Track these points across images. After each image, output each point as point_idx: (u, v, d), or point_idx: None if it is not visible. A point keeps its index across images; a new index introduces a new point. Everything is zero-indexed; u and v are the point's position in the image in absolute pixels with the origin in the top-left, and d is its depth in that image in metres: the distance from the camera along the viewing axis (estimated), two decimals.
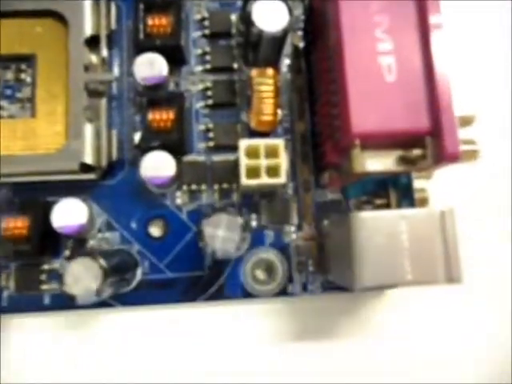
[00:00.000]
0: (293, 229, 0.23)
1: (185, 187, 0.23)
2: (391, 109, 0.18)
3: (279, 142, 0.21)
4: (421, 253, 0.17)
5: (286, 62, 0.24)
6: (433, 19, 0.18)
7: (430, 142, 0.18)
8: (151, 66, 0.22)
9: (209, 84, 0.24)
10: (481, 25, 0.26)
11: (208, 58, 0.24)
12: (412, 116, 0.18)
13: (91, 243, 0.22)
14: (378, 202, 0.22)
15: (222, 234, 0.18)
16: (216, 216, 0.18)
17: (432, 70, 0.18)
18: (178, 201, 0.23)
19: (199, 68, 0.24)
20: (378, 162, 0.19)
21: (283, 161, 0.21)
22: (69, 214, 0.20)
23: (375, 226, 0.17)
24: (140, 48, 0.22)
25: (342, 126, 0.18)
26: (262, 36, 0.20)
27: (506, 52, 0.27)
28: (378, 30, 0.18)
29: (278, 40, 0.20)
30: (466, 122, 0.19)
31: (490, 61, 0.26)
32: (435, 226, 0.17)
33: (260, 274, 0.23)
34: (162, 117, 0.22)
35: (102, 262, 0.18)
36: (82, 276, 0.18)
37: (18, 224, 0.20)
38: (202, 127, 0.23)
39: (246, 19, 0.20)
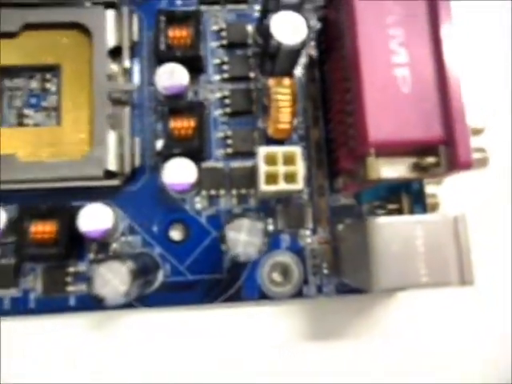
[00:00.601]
0: (308, 233, 0.24)
1: (204, 192, 0.24)
2: (406, 118, 0.19)
3: (297, 150, 0.22)
4: (435, 256, 0.18)
5: (299, 70, 0.25)
6: (445, 31, 0.19)
7: (443, 150, 0.19)
8: (172, 76, 0.23)
9: (226, 93, 0.24)
10: (481, 25, 0.27)
11: (226, 67, 0.25)
12: (426, 125, 0.18)
13: (114, 246, 0.23)
14: (391, 207, 0.23)
15: (244, 239, 0.19)
16: (238, 221, 0.19)
17: (445, 81, 0.19)
18: (198, 206, 0.24)
19: (217, 77, 0.25)
20: (392, 169, 0.20)
21: (300, 168, 0.21)
22: (95, 218, 0.21)
23: (392, 231, 0.18)
24: (161, 58, 0.23)
25: (359, 134, 0.19)
26: (281, 48, 0.21)
27: (506, 53, 0.27)
28: (393, 42, 0.19)
29: (296, 52, 0.21)
30: (477, 131, 0.20)
31: (490, 62, 0.27)
32: (449, 230, 0.18)
33: (276, 277, 0.24)
34: (183, 125, 0.23)
35: (130, 264, 0.19)
36: (110, 278, 0.19)
37: (46, 228, 0.21)
38: (220, 134, 0.24)
39: (265, 31, 0.21)
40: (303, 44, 0.21)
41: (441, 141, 0.19)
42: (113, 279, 0.19)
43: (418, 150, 0.19)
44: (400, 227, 0.18)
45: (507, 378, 0.24)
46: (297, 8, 0.21)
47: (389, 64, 0.19)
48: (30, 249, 0.21)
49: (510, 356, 0.24)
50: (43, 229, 0.21)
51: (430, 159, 0.19)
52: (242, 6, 0.25)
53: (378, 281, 0.17)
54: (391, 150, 0.19)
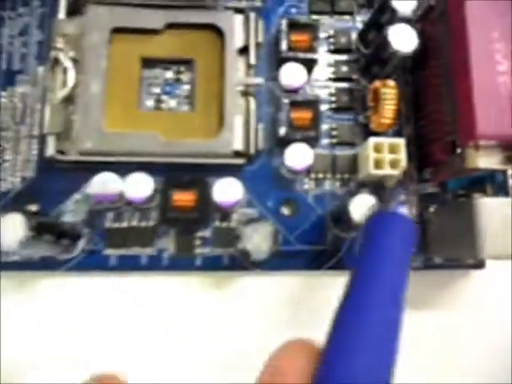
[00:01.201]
0: None
1: (312, 175, 0.27)
2: (507, 117, 0.22)
3: (401, 141, 0.25)
4: None
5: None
6: None
7: None
8: (294, 74, 0.26)
9: (333, 91, 0.28)
10: None
11: (332, 69, 0.29)
12: None
13: (235, 217, 0.27)
14: (475, 195, 0.27)
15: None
16: (359, 196, 0.23)
17: None
18: (306, 186, 0.27)
19: (325, 77, 0.29)
20: (488, 160, 0.24)
21: (403, 156, 0.25)
22: (227, 190, 0.25)
23: (493, 209, 0.21)
24: (283, 58, 0.27)
25: (464, 129, 0.23)
26: (395, 55, 0.24)
27: None
28: (497, 54, 0.23)
29: (406, 59, 0.25)
30: None
31: None
32: None
33: None
34: (301, 115, 0.26)
35: (270, 227, 0.22)
36: (254, 237, 0.22)
37: (186, 197, 0.25)
38: (326, 126, 0.28)
39: (382, 40, 0.25)
40: (414, 52, 0.24)
41: None
42: (256, 238, 0.22)
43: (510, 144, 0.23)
44: (499, 206, 0.22)
45: None
46: (407, 21, 0.25)
47: (494, 71, 0.23)
48: (172, 213, 0.25)
49: None
50: (184, 197, 0.25)
51: None
52: (346, 17, 0.29)
53: (485, 249, 0.21)
54: (488, 144, 0.23)
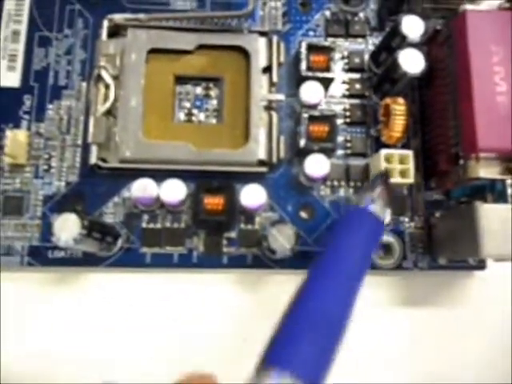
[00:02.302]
0: (407, 219, 0.30)
1: (328, 183, 0.30)
2: (505, 133, 0.25)
3: (409, 153, 0.28)
4: None
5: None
6: None
7: None
8: (313, 91, 0.29)
9: (347, 106, 0.31)
10: None
11: (346, 86, 0.31)
12: None
13: (257, 220, 0.29)
14: (477, 202, 0.30)
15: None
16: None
17: None
18: (322, 192, 0.30)
19: (339, 93, 0.31)
20: (488, 171, 0.26)
21: (412, 166, 0.28)
22: (253, 195, 0.28)
23: (494, 213, 0.24)
24: (303, 77, 0.30)
25: (467, 142, 0.26)
26: (405, 76, 0.27)
27: None
28: (496, 76, 0.26)
29: (414, 79, 0.28)
30: None
31: None
32: None
33: (381, 252, 0.30)
34: (319, 128, 0.29)
35: (294, 229, 0.25)
36: (279, 238, 0.25)
37: (215, 201, 0.28)
38: (341, 138, 0.31)
39: (393, 62, 0.28)
40: (422, 73, 0.27)
41: None
42: (280, 238, 0.25)
43: (510, 156, 0.26)
44: (499, 212, 0.24)
45: None
46: (416, 45, 0.28)
47: (493, 92, 0.25)
48: (203, 215, 0.27)
49: None
50: (213, 201, 0.28)
51: None
52: (360, 40, 0.32)
53: (486, 249, 0.23)
54: (488, 156, 0.26)
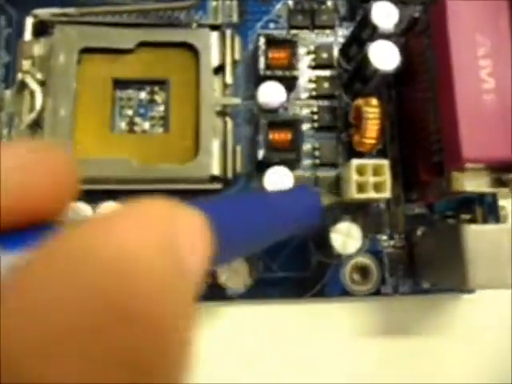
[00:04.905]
0: (385, 237, 0.27)
1: None
2: (494, 138, 0.21)
3: (385, 163, 0.24)
4: None
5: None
6: None
7: None
8: (274, 93, 0.25)
9: (314, 109, 0.27)
10: None
11: (313, 86, 0.27)
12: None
13: None
14: (464, 217, 0.26)
15: (345, 240, 0.22)
16: (340, 224, 0.22)
17: None
18: None
19: (305, 95, 0.27)
20: (475, 183, 0.23)
21: (388, 178, 0.24)
22: None
23: (482, 236, 0.20)
24: (261, 77, 0.26)
25: (450, 152, 0.22)
26: (377, 74, 0.23)
27: None
28: (482, 72, 0.22)
29: (388, 76, 0.24)
30: None
31: None
32: None
33: (357, 276, 0.26)
34: (280, 137, 0.25)
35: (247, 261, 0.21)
36: (229, 271, 0.21)
37: None
38: (308, 146, 0.27)
39: (363, 58, 0.24)
40: (396, 70, 0.23)
41: None
42: (230, 272, 0.21)
43: (501, 166, 0.22)
44: (489, 234, 0.20)
45: None
46: (389, 37, 0.24)
47: (479, 90, 0.21)
48: None
49: None
50: None
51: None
52: (327, 31, 0.28)
53: (473, 279, 0.19)
54: (475, 166, 0.22)
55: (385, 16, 0.24)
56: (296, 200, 0.19)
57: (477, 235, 0.20)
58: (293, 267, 0.26)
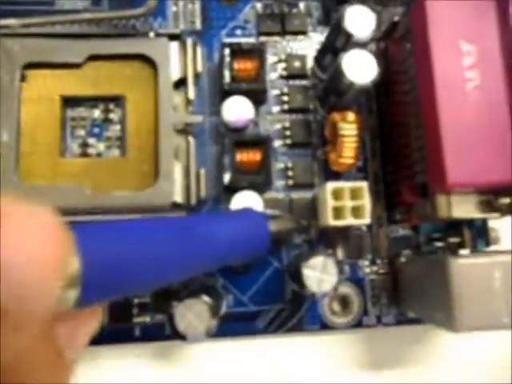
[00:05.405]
0: (367, 263, 0.24)
1: None
2: (483, 160, 0.19)
3: (364, 185, 0.22)
4: None
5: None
6: None
7: None
8: (240, 109, 0.23)
9: (287, 124, 0.25)
10: None
11: (285, 98, 0.25)
12: (504, 167, 0.19)
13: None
14: (451, 240, 0.24)
15: (319, 276, 0.20)
16: (314, 258, 0.20)
17: None
18: None
19: (277, 108, 0.25)
20: (463, 209, 0.20)
21: (367, 202, 0.22)
22: None
23: (472, 271, 0.18)
24: (226, 91, 0.23)
25: (434, 174, 0.20)
26: (352, 87, 0.21)
27: None
28: (468, 84, 0.19)
29: (366, 89, 0.21)
30: None
31: None
32: None
33: (337, 307, 0.24)
34: (249, 158, 0.23)
35: (207, 300, 0.19)
36: (190, 318, 0.19)
37: None
38: (280, 165, 0.24)
39: (337, 70, 0.21)
40: (374, 82, 0.21)
41: None
42: (193, 318, 0.19)
43: (491, 189, 0.20)
44: (479, 267, 0.18)
45: None
46: (366, 45, 0.22)
47: (465, 106, 0.19)
48: None
49: None
50: None
51: (505, 200, 0.19)
52: (300, 37, 0.26)
53: (461, 322, 0.17)
54: (462, 190, 0.20)
55: (360, 22, 0.21)
56: (234, 225, 0.18)
57: (465, 269, 0.18)
58: (266, 300, 0.23)
